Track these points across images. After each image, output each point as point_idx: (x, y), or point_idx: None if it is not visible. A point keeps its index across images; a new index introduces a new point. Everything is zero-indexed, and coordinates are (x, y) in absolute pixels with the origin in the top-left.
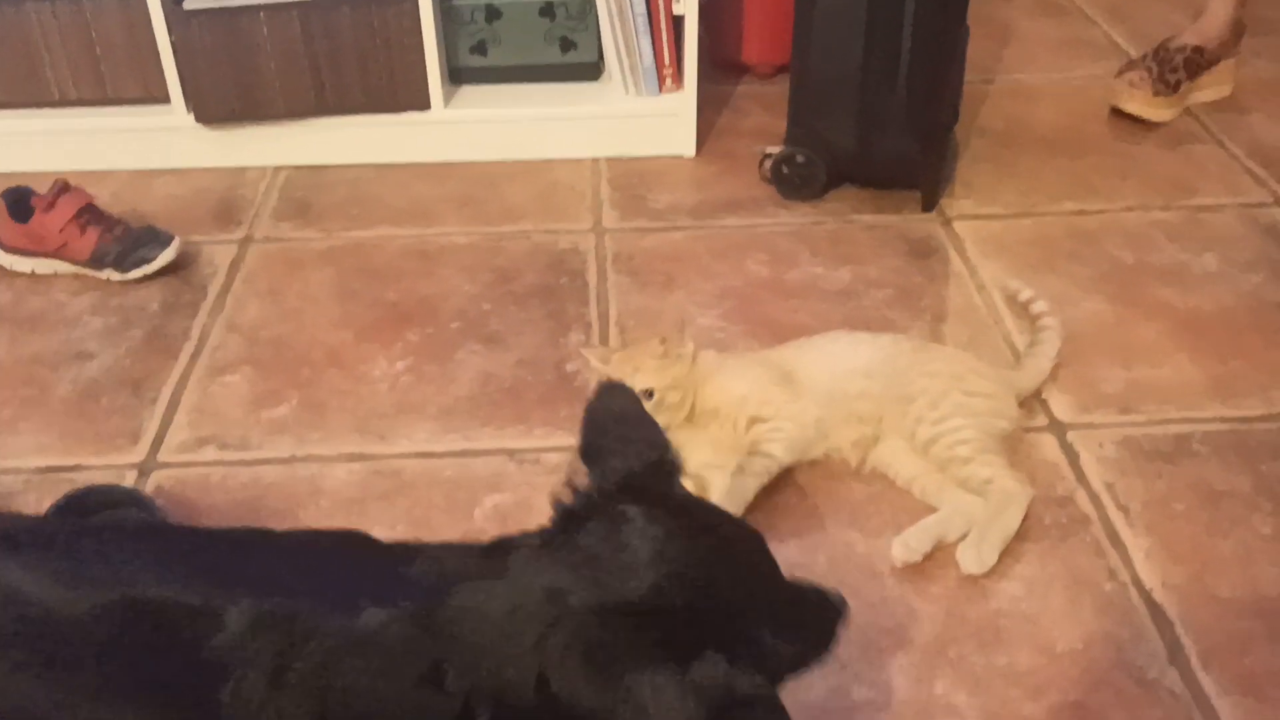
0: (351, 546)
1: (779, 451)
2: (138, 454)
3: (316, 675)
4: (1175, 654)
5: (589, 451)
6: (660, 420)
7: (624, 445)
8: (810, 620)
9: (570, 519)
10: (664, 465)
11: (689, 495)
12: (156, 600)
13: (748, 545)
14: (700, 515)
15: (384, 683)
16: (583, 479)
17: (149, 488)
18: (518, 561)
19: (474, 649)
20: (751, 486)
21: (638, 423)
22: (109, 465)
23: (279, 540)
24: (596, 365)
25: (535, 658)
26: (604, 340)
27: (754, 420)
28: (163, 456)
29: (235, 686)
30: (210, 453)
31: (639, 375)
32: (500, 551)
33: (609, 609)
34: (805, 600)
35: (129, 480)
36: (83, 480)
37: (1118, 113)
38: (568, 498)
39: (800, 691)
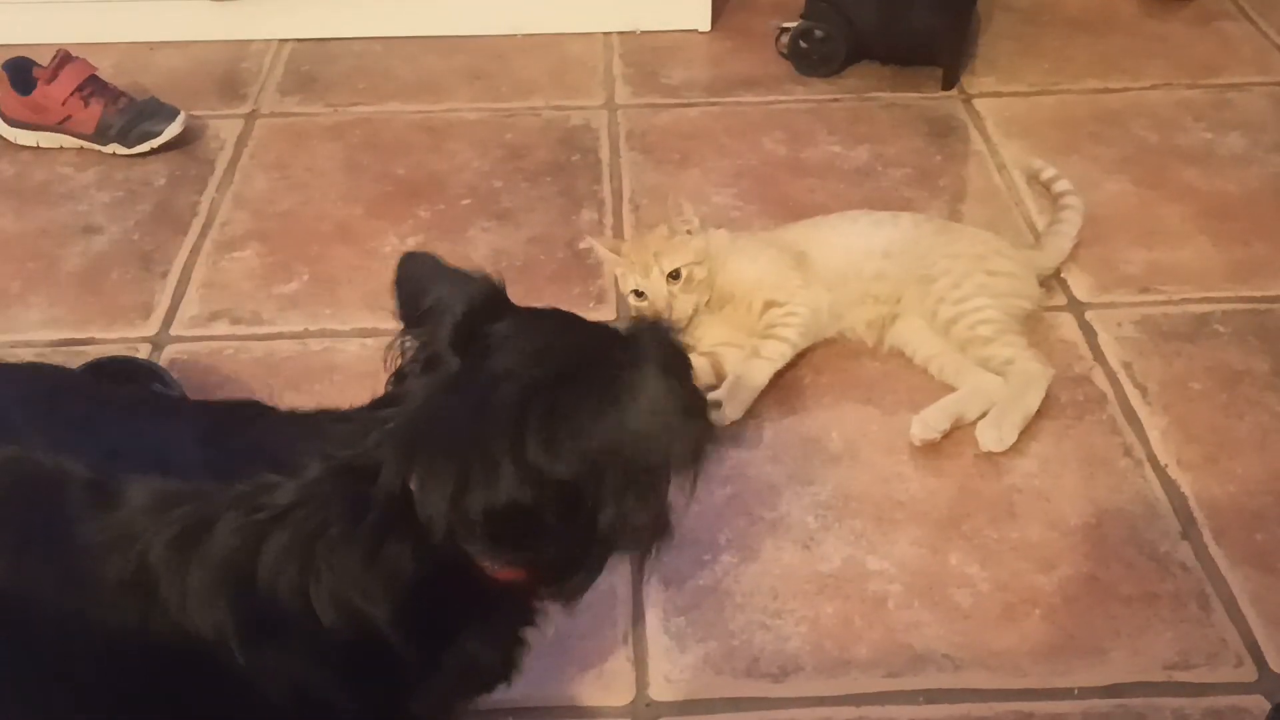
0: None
1: (793, 336)
2: (150, 327)
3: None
4: (1188, 529)
5: (411, 320)
6: (690, 298)
7: (445, 298)
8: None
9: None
10: (488, 291)
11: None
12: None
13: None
14: (539, 312)
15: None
16: (412, 347)
17: (163, 361)
18: (418, 391)
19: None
20: (765, 369)
21: (446, 274)
22: (122, 338)
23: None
24: (606, 254)
25: (508, 439)
26: (617, 219)
27: (768, 304)
28: (175, 330)
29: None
30: (223, 327)
31: (660, 259)
32: (390, 397)
33: (540, 384)
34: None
35: (143, 353)
36: (96, 353)
37: None
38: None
39: (816, 561)
